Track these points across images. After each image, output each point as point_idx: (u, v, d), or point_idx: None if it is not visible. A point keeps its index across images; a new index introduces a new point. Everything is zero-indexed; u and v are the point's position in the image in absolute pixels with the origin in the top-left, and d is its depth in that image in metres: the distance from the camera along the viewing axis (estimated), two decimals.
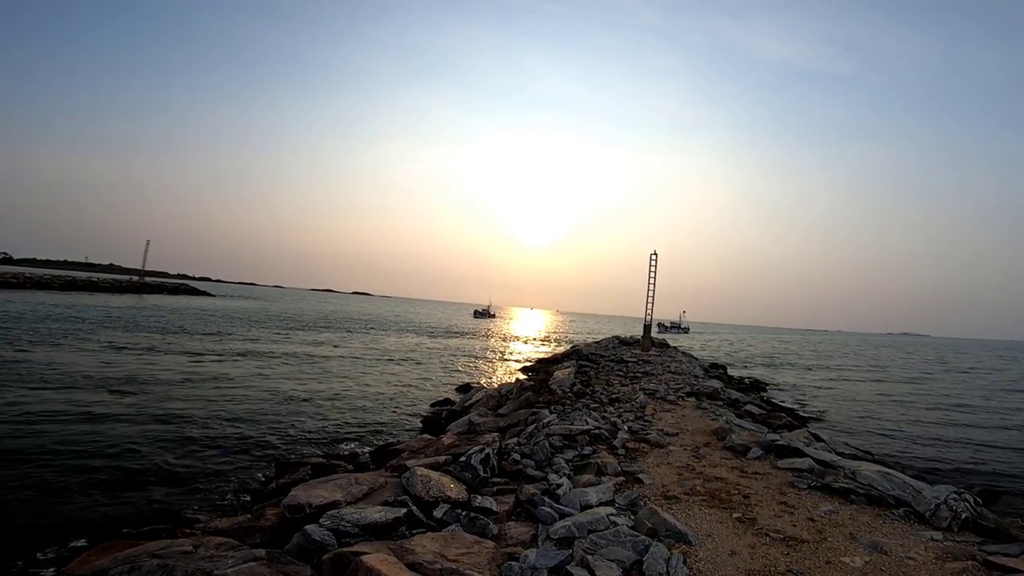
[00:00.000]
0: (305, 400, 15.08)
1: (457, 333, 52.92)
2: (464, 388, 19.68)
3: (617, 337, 41.39)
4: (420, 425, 13.67)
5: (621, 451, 7.45)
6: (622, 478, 6.21)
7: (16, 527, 6.11)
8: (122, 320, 34.59)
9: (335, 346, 31.30)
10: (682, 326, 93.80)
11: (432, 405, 16.14)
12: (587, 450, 7.29)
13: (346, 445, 11.06)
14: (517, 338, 55.22)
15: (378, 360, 26.41)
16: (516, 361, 31.05)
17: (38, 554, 5.59)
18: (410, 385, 19.85)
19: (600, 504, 5.21)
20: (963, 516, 4.97)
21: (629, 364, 20.44)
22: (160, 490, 7.81)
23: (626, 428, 8.75)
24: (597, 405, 11.03)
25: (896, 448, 13.95)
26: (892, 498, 5.46)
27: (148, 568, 3.38)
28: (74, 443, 9.39)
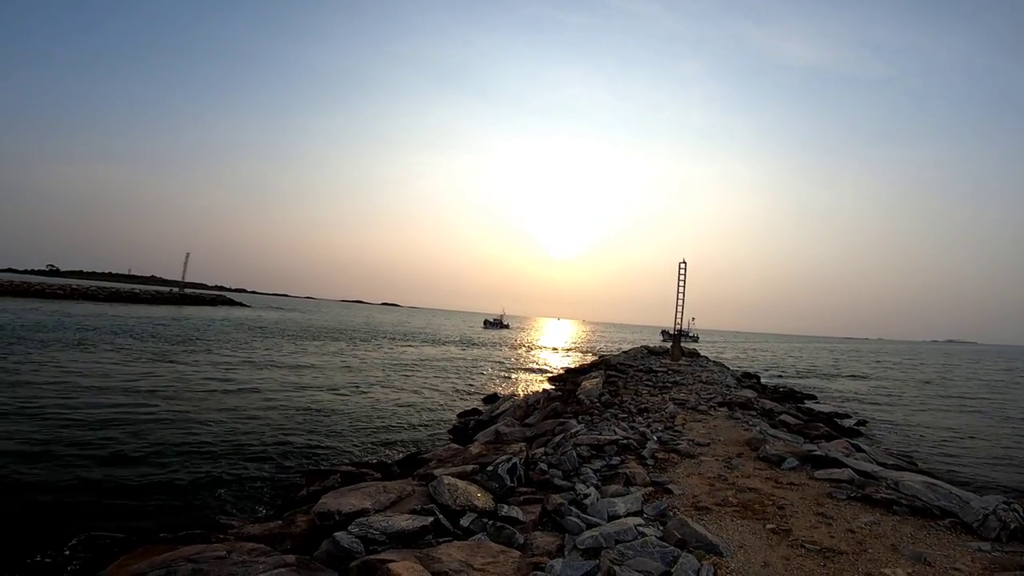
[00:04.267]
0: (335, 410, 15.32)
1: (483, 344, 53.02)
2: (491, 398, 19.69)
3: (646, 347, 40.82)
4: (448, 434, 13.73)
5: (650, 461, 7.32)
6: (651, 488, 6.11)
7: (54, 531, 6.34)
8: (160, 330, 35.90)
9: (364, 357, 31.75)
10: (691, 334, 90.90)
11: (459, 415, 16.18)
12: (615, 460, 7.20)
13: (375, 454, 11.18)
14: (543, 348, 55.01)
15: (406, 370, 26.66)
16: (542, 371, 30.90)
17: (76, 558, 5.80)
18: (437, 395, 19.97)
19: (628, 514, 5.13)
20: (1012, 526, 4.71)
21: (658, 374, 20.12)
22: (194, 496, 8.03)
23: (655, 438, 8.60)
24: (625, 415, 10.89)
25: (944, 459, 13.33)
26: (937, 508, 5.21)
27: (183, 573, 3.49)
28: (109, 449, 9.74)
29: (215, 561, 3.68)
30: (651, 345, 44.62)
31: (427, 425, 14.70)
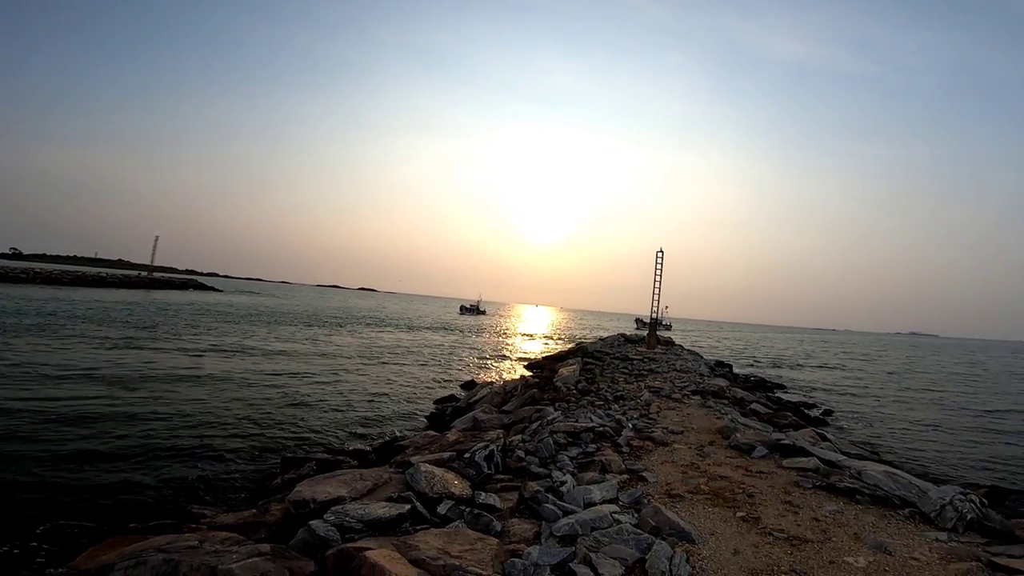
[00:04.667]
0: (309, 396, 15.14)
1: (460, 330, 52.98)
2: (469, 384, 19.73)
3: (623, 335, 41.35)
4: (425, 421, 13.72)
5: (625, 449, 7.45)
6: (626, 476, 6.22)
7: (21, 523, 6.12)
8: (129, 316, 34.92)
9: (340, 343, 31.43)
10: (664, 322, 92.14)
11: (436, 402, 16.18)
12: (591, 448, 7.30)
13: (351, 441, 11.10)
14: (521, 335, 55.27)
15: (383, 356, 26.50)
16: (520, 358, 31.05)
17: (43, 549, 5.63)
18: (414, 381, 19.91)
19: (604, 502, 5.22)
20: (968, 517, 4.94)
21: (634, 362, 20.41)
22: (165, 485, 7.86)
23: (631, 426, 8.74)
24: (602, 403, 11.03)
25: (906, 448, 13.87)
26: (897, 498, 5.43)
27: (154, 563, 3.42)
28: (77, 439, 9.45)
29: (187, 551, 3.61)
30: (628, 333, 45.24)
31: (404, 412, 14.67)
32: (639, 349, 27.64)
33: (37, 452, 8.65)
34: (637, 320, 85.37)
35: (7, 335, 21.04)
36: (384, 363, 24.01)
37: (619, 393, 12.35)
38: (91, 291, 61.45)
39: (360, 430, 12.21)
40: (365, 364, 23.09)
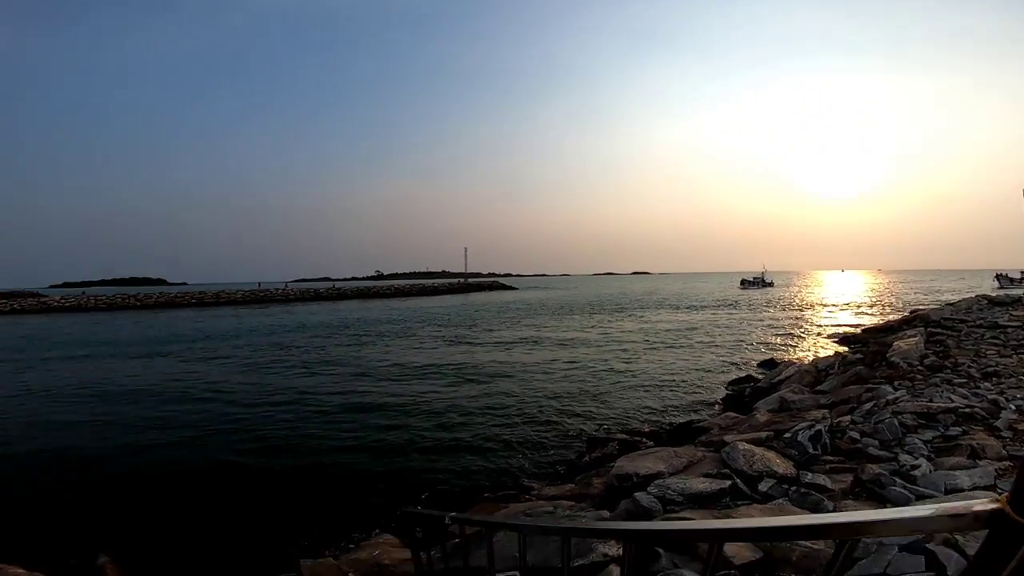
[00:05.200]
0: (602, 383, 15.98)
1: (746, 306, 48.38)
2: (768, 364, 18.05)
3: (985, 296, 31.50)
4: (719, 403, 13.21)
5: (1007, 433, 5.77)
6: (1008, 463, 4.84)
7: (409, 493, 7.96)
8: (456, 317, 43.32)
9: (623, 327, 32.51)
10: None
11: (730, 383, 15.33)
12: (953, 431, 5.90)
13: (644, 423, 11.42)
14: (824, 306, 47.41)
15: (666, 339, 26.26)
16: (830, 333, 26.68)
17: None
18: (701, 363, 19.20)
19: (975, 489, 4.22)
20: None
21: (1009, 330, 15.37)
22: (496, 465, 9.28)
23: (1013, 407, 6.71)
24: (963, 380, 8.73)
25: None
26: None
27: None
28: (430, 428, 11.64)
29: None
30: (991, 294, 34.24)
31: (695, 394, 14.35)
32: (1015, 314, 20.63)
33: (402, 440, 10.83)
34: (999, 276, 62.92)
35: (384, 340, 28.58)
36: (669, 347, 23.73)
37: (989, 368, 9.53)
38: (428, 299, 78.85)
39: (653, 416, 12.36)
40: (650, 349, 23.26)
